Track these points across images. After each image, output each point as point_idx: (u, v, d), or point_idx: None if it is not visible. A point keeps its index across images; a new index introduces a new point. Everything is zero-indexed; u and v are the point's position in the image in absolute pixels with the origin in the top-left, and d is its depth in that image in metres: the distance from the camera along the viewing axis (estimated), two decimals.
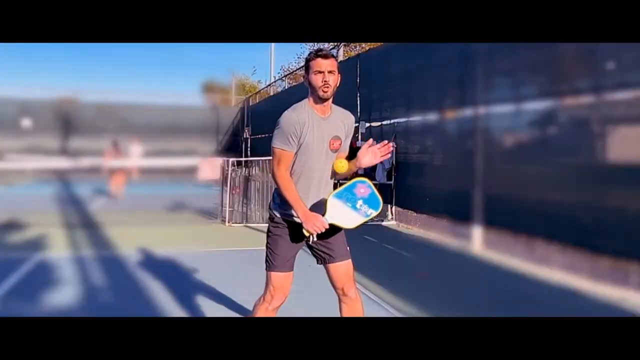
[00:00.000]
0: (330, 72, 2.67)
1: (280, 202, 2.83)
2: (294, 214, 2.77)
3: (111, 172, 13.43)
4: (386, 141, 2.79)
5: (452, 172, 8.01)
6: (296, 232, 2.80)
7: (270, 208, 2.91)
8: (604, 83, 5.48)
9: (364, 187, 2.74)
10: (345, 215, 2.70)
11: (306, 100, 2.77)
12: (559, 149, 6.06)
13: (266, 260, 2.87)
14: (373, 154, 2.76)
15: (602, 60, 5.46)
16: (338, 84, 2.73)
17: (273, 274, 2.83)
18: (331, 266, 2.88)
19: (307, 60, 2.74)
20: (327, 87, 2.66)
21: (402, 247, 7.27)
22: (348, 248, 2.93)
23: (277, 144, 2.73)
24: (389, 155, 2.75)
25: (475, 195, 7.25)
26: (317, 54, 2.71)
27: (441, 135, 8.61)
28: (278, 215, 2.84)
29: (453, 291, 5.05)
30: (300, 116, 2.70)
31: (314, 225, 2.65)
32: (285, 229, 2.83)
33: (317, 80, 2.66)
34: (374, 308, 4.33)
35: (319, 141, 2.73)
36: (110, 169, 13.41)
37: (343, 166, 2.81)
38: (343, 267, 2.88)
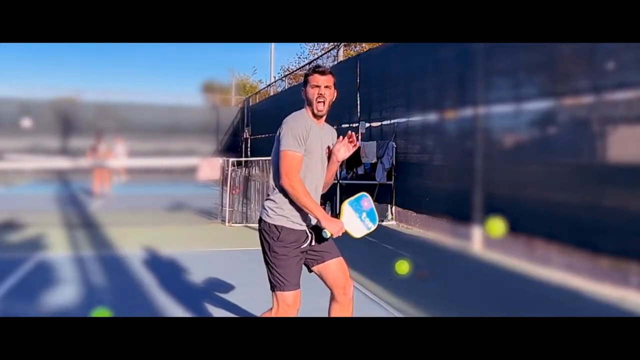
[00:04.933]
0: (326, 87, 2.79)
1: (287, 212, 2.75)
2: (304, 222, 2.78)
3: (93, 170, 13.19)
4: (350, 132, 2.87)
5: (452, 172, 8.01)
6: (302, 240, 2.78)
7: (268, 222, 2.77)
8: (604, 83, 5.48)
9: (367, 202, 2.91)
10: (354, 223, 2.84)
11: (304, 110, 2.84)
12: (558, 149, 6.06)
13: (275, 282, 2.74)
14: (346, 146, 2.85)
15: (602, 60, 5.46)
16: (334, 99, 2.85)
17: (287, 294, 2.72)
18: (327, 264, 2.87)
19: (306, 75, 2.85)
20: (322, 99, 2.77)
21: (402, 247, 7.27)
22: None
23: (289, 146, 2.69)
24: (358, 143, 2.85)
25: (475, 195, 7.25)
26: (315, 70, 2.83)
27: (441, 135, 8.61)
28: (288, 226, 2.75)
29: (453, 291, 5.05)
30: (307, 121, 2.79)
31: (336, 228, 2.71)
32: (292, 243, 2.75)
33: (313, 93, 2.78)
34: (374, 308, 4.34)
35: (319, 148, 2.82)
36: (95, 166, 13.12)
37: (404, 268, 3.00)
38: (338, 264, 2.89)
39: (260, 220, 2.85)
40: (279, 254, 2.74)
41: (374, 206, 2.92)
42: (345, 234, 2.79)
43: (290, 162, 2.69)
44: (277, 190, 2.79)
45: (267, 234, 2.78)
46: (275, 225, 2.76)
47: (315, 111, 2.78)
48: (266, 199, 2.87)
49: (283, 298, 2.74)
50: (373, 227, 2.87)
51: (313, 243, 2.82)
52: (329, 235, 2.71)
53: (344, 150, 2.85)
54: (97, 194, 12.75)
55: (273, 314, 2.77)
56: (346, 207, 2.83)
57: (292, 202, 2.75)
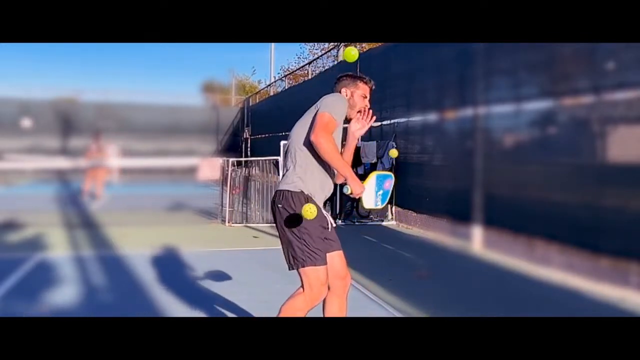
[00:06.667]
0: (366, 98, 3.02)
1: (312, 185, 2.79)
2: (322, 199, 2.85)
3: (88, 170, 13.14)
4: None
5: (452, 172, 8.01)
6: (323, 223, 2.81)
7: (296, 191, 2.75)
8: (604, 83, 5.48)
9: (389, 183, 3.05)
10: (370, 194, 2.96)
11: None
12: (559, 149, 6.06)
13: (306, 257, 2.68)
14: (360, 122, 2.98)
15: (602, 60, 5.46)
16: None
17: (321, 268, 2.71)
18: (334, 254, 2.87)
19: (357, 78, 2.99)
20: (364, 110, 2.96)
21: (402, 247, 7.27)
22: None
23: (331, 111, 2.75)
24: (374, 117, 3.00)
25: (475, 195, 7.24)
26: (369, 82, 3.00)
27: (441, 135, 8.61)
28: (316, 197, 2.79)
29: (453, 291, 5.05)
30: None
31: (358, 190, 2.74)
32: (317, 219, 2.69)
33: (361, 103, 2.97)
34: (374, 308, 4.34)
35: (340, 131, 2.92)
36: (91, 166, 13.06)
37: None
38: (341, 256, 2.93)
39: (281, 197, 2.78)
40: (308, 229, 2.71)
41: (390, 190, 3.06)
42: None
43: (328, 122, 2.72)
44: (298, 164, 2.80)
45: (295, 209, 2.71)
46: (304, 195, 2.76)
47: (351, 116, 2.94)
48: (283, 179, 2.86)
49: (317, 274, 2.69)
50: (380, 207, 3.04)
51: (330, 228, 2.86)
52: (349, 191, 2.75)
53: (359, 126, 2.97)
54: (98, 195, 12.74)
55: (307, 296, 2.69)
56: (373, 178, 2.97)
57: (314, 178, 2.80)
